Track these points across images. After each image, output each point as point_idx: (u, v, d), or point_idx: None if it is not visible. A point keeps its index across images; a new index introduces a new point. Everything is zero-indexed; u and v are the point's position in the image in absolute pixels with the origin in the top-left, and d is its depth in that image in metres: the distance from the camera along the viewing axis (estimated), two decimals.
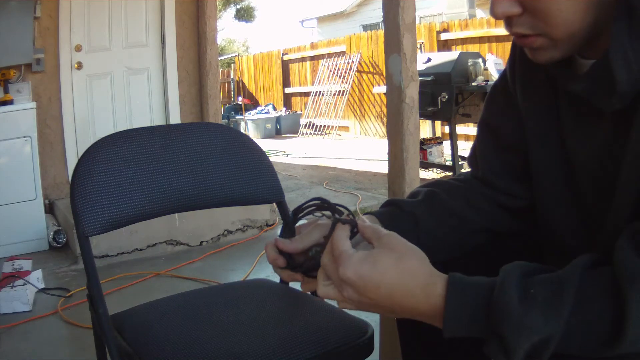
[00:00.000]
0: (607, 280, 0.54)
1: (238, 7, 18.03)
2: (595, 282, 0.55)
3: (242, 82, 11.77)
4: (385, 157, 2.34)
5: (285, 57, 10.71)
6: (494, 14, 0.64)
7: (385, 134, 2.39)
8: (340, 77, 9.10)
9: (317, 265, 0.67)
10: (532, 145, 0.81)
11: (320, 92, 9.38)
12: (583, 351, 0.54)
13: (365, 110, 9.02)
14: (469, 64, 4.51)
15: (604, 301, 0.54)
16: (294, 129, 9.66)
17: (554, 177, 0.78)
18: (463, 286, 0.58)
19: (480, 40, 6.84)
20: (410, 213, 0.84)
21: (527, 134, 0.82)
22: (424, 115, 4.55)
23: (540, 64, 0.74)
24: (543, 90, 0.79)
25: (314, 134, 9.18)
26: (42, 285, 2.57)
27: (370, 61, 8.79)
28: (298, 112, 10.05)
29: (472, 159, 0.94)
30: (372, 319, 1.15)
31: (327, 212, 0.73)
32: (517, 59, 0.83)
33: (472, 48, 6.70)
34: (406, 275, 0.59)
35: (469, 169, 0.95)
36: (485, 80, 4.42)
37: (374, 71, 8.71)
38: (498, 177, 0.87)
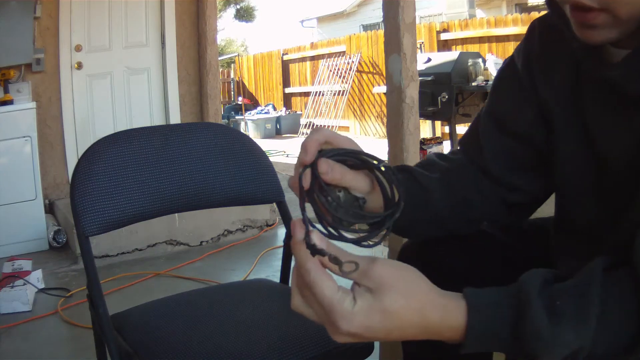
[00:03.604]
0: (628, 285, 0.54)
1: (238, 7, 18.02)
2: (617, 287, 0.54)
3: (242, 82, 11.77)
4: (386, 157, 2.34)
5: (285, 57, 10.71)
6: None
7: (385, 134, 2.39)
8: (340, 77, 9.10)
9: (332, 209, 0.58)
10: (555, 133, 0.79)
11: (320, 92, 9.38)
12: (606, 356, 0.54)
13: (365, 110, 9.02)
14: (469, 64, 4.52)
15: (626, 307, 0.53)
16: (294, 129, 9.66)
17: (578, 167, 0.76)
18: (485, 310, 0.54)
19: (480, 40, 6.84)
20: (426, 188, 0.81)
21: (550, 120, 0.79)
22: (424, 115, 4.55)
23: (562, 51, 0.71)
24: (565, 77, 0.76)
25: None
26: (42, 285, 2.57)
27: (370, 61, 8.79)
28: (298, 112, 10.05)
29: (469, 146, 0.89)
30: None
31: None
32: (537, 44, 0.80)
33: (472, 48, 6.70)
34: (420, 314, 0.54)
35: (461, 153, 0.90)
36: (485, 80, 4.42)
37: (374, 71, 8.71)
38: (499, 168, 0.84)
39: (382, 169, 0.62)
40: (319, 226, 0.57)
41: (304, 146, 0.60)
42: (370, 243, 0.60)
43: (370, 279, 0.53)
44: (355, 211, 0.61)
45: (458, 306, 0.54)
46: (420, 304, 0.53)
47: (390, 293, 0.52)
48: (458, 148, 0.91)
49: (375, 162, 0.62)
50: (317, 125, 9.14)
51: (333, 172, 0.60)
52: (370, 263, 0.53)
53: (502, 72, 0.88)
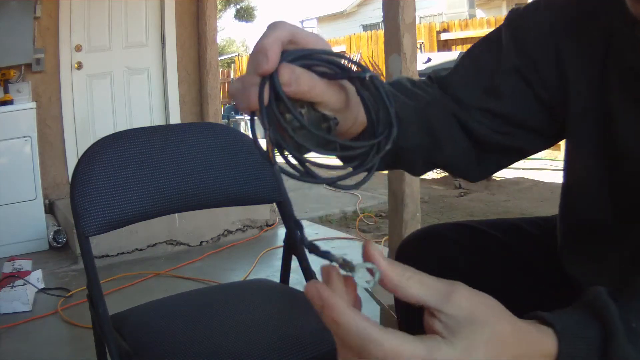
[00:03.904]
0: None
1: (238, 7, 18.03)
2: None
3: None
4: None
5: None
6: None
7: None
8: None
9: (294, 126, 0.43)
10: (571, 113, 0.73)
11: None
12: None
13: None
14: None
15: None
16: None
17: (591, 156, 0.72)
18: (572, 336, 0.48)
19: None
20: (400, 117, 0.69)
21: (567, 97, 0.72)
22: None
23: (597, 30, 0.68)
24: (594, 60, 0.70)
25: None
26: (42, 285, 2.57)
27: (370, 61, 8.79)
28: None
29: (463, 88, 0.76)
30: (372, 318, 1.15)
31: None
32: (571, 15, 0.71)
33: None
34: (517, 344, 0.46)
35: (437, 89, 0.78)
36: None
37: (374, 71, 8.71)
38: (511, 120, 0.74)
39: (365, 81, 0.46)
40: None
41: (262, 47, 0.43)
42: (350, 183, 0.45)
43: (459, 307, 0.42)
44: (323, 135, 0.45)
45: (540, 331, 0.47)
46: (510, 331, 0.45)
47: (490, 322, 0.43)
48: (429, 82, 0.79)
49: (358, 69, 0.46)
50: None
51: (298, 82, 0.44)
52: (451, 286, 0.43)
53: (512, 23, 0.75)
